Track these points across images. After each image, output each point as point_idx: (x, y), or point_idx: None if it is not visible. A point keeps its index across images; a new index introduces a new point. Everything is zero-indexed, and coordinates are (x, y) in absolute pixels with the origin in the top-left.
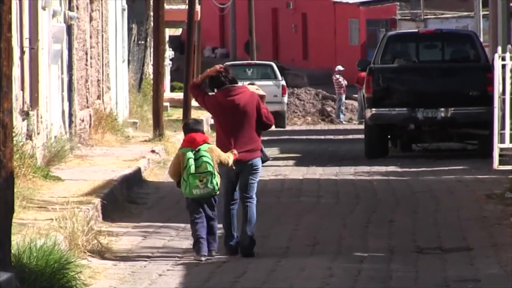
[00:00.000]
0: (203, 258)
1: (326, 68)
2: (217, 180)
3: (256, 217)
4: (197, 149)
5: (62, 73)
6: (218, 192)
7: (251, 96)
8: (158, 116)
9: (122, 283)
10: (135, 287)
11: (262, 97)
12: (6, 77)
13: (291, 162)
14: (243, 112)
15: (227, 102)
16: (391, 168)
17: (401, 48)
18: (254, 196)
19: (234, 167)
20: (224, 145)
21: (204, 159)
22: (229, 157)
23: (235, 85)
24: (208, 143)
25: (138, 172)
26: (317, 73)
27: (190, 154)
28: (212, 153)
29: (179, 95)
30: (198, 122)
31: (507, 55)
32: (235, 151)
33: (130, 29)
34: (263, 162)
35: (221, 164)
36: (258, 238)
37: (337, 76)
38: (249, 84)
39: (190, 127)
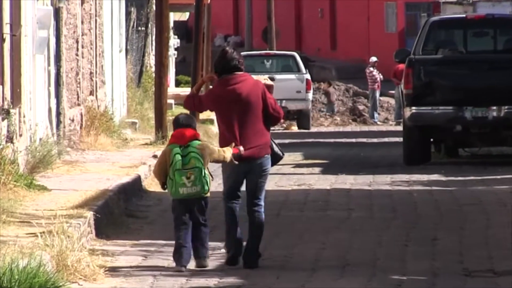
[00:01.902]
0: (183, 269)
1: (358, 59)
2: (207, 179)
3: (276, 233)
4: (186, 145)
5: (48, 64)
6: (208, 194)
7: (255, 85)
8: (161, 116)
9: None
10: None
11: (269, 87)
12: None
13: (316, 169)
14: (246, 102)
15: (227, 92)
16: (434, 177)
17: (446, 36)
18: (263, 200)
19: (236, 162)
20: (229, 143)
21: (192, 154)
22: (225, 152)
23: (236, 73)
24: (199, 140)
25: (137, 180)
26: (347, 65)
27: (177, 150)
28: (204, 151)
29: (186, 91)
30: (190, 117)
31: None
32: (241, 148)
33: (128, 13)
34: (277, 160)
35: (218, 162)
36: (278, 258)
37: (371, 69)
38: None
39: (180, 122)
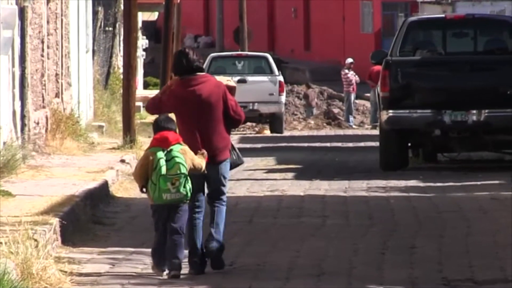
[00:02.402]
0: (163, 273)
1: (333, 61)
2: (189, 185)
3: (249, 241)
4: (168, 150)
5: (13, 66)
6: (188, 200)
7: (216, 86)
8: (129, 119)
9: None
10: None
11: (231, 88)
12: None
13: (290, 175)
14: (207, 103)
15: (187, 93)
16: (412, 183)
17: (425, 37)
18: (224, 200)
19: (206, 171)
20: (190, 145)
21: (177, 159)
22: (202, 161)
23: (197, 73)
24: (181, 144)
25: (104, 186)
26: (321, 67)
27: (161, 154)
28: (186, 155)
29: (154, 93)
30: (171, 120)
31: None
32: (204, 152)
33: (95, 13)
34: (236, 165)
35: (193, 169)
36: (251, 267)
37: (346, 71)
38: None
39: (161, 125)
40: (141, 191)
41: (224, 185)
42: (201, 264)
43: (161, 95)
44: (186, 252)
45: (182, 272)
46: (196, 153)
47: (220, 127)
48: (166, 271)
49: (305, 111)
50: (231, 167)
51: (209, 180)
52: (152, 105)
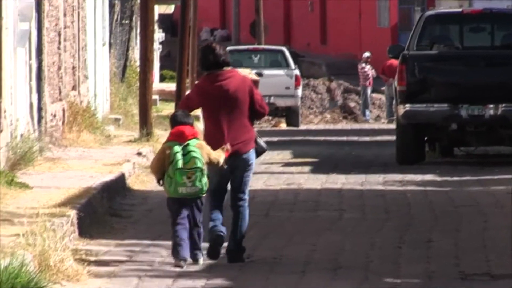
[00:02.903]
0: (183, 263)
1: (349, 55)
2: (205, 179)
3: (265, 234)
4: (185, 144)
5: (30, 58)
6: (205, 194)
7: (242, 81)
8: (146, 112)
9: None
10: None
11: (255, 82)
12: None
13: (306, 168)
14: (234, 98)
15: (214, 88)
16: (429, 177)
17: (442, 32)
18: (247, 195)
19: (225, 166)
20: (215, 139)
21: (193, 154)
22: (220, 156)
23: (224, 68)
24: (198, 139)
25: (121, 178)
26: (337, 61)
27: (177, 148)
28: (202, 150)
29: (171, 86)
30: (188, 114)
31: None
32: (228, 147)
33: (112, 6)
34: (259, 153)
35: (210, 164)
36: (268, 260)
37: (363, 64)
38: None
39: (178, 119)
40: (158, 183)
41: (249, 176)
42: (216, 248)
43: (190, 92)
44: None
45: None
46: (219, 147)
47: (245, 120)
48: (187, 261)
49: (328, 104)
50: (256, 156)
51: (235, 171)
52: (182, 103)
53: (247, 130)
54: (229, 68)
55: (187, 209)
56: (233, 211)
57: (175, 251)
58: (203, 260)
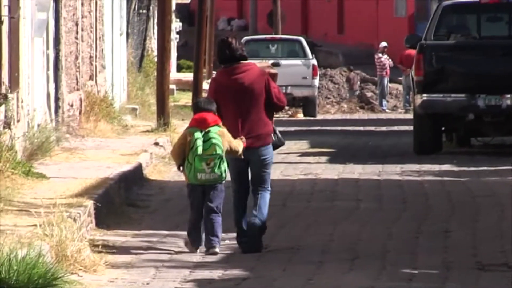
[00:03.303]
0: (197, 250)
1: (366, 44)
2: (225, 166)
3: (282, 224)
4: (206, 131)
5: (47, 48)
6: (224, 181)
7: (259, 74)
8: (163, 102)
9: None
10: None
11: (273, 75)
12: None
13: (323, 158)
14: (250, 92)
15: (231, 81)
16: (446, 167)
17: (459, 21)
18: (269, 187)
19: (242, 156)
20: (230, 131)
21: (214, 141)
22: (239, 145)
23: (241, 62)
24: (219, 126)
25: (138, 169)
26: (354, 50)
27: (198, 134)
28: (223, 137)
29: (188, 76)
30: (211, 101)
31: None
32: (243, 138)
33: None
34: (277, 146)
35: (230, 152)
36: (285, 251)
37: (380, 54)
38: (262, 62)
39: (201, 106)
40: (178, 169)
41: (266, 171)
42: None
43: (208, 88)
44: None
45: (219, 251)
46: (235, 139)
47: (262, 113)
48: (200, 249)
49: (348, 94)
50: (273, 149)
51: (251, 166)
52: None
53: (264, 124)
54: (245, 62)
55: (205, 197)
56: (254, 198)
57: (191, 239)
58: (219, 248)
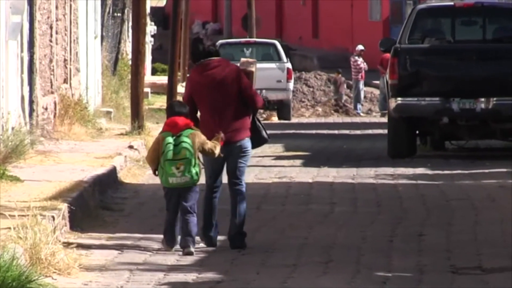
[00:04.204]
0: (172, 249)
1: (341, 48)
2: (196, 169)
3: (257, 228)
4: (178, 135)
5: (21, 51)
6: (197, 182)
7: (230, 69)
8: (138, 105)
9: None
10: None
11: (248, 73)
12: None
13: (298, 162)
14: (222, 87)
15: (203, 78)
16: (420, 171)
17: (433, 25)
18: (243, 181)
19: (221, 155)
20: (208, 128)
21: (184, 145)
22: (216, 146)
23: (212, 58)
24: (192, 128)
25: (113, 172)
26: (329, 54)
27: (169, 139)
28: (195, 139)
29: (162, 79)
30: (183, 104)
31: None
32: (222, 135)
33: None
34: (262, 143)
35: (206, 154)
36: (259, 254)
37: (356, 57)
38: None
39: (174, 109)
40: (154, 173)
41: (243, 163)
42: (214, 239)
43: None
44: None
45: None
46: (213, 136)
47: (238, 108)
48: (175, 248)
49: (335, 96)
50: (256, 145)
51: (229, 159)
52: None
53: (240, 118)
54: (217, 58)
55: (180, 198)
56: (231, 195)
57: (166, 239)
58: (194, 248)
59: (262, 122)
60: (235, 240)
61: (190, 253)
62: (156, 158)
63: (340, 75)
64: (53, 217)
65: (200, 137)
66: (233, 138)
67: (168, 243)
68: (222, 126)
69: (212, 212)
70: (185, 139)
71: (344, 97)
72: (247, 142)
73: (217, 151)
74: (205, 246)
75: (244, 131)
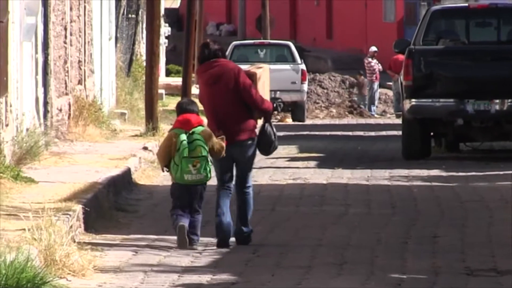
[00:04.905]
0: (183, 226)
1: (355, 49)
2: (210, 167)
3: (271, 229)
4: (190, 132)
5: (36, 52)
6: (208, 180)
7: (229, 68)
8: (152, 106)
9: None
10: None
11: (251, 74)
12: None
13: (312, 163)
14: (220, 86)
15: (205, 78)
16: (434, 172)
17: (448, 26)
18: (250, 182)
19: (224, 154)
20: (211, 128)
21: (198, 142)
22: (222, 146)
23: (212, 59)
24: (203, 126)
25: (127, 173)
26: (343, 55)
27: (183, 136)
28: (206, 137)
29: (177, 81)
30: (193, 102)
31: None
32: (221, 134)
33: (118, 0)
34: (271, 150)
35: (213, 154)
36: (273, 255)
37: (370, 59)
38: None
39: (184, 107)
40: (163, 170)
41: (248, 164)
42: (226, 239)
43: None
44: (204, 239)
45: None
46: (215, 135)
47: (239, 108)
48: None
49: (357, 99)
50: (265, 151)
51: (235, 160)
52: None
53: (243, 119)
54: (217, 59)
55: (190, 195)
56: (238, 197)
57: (175, 222)
58: (197, 245)
59: (276, 123)
60: (241, 237)
61: (195, 249)
62: (168, 155)
63: (362, 77)
64: (67, 218)
65: (212, 135)
66: (235, 139)
67: (181, 223)
68: (223, 126)
69: (224, 213)
70: (198, 136)
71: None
72: (248, 143)
73: (223, 151)
74: (216, 247)
75: (247, 131)
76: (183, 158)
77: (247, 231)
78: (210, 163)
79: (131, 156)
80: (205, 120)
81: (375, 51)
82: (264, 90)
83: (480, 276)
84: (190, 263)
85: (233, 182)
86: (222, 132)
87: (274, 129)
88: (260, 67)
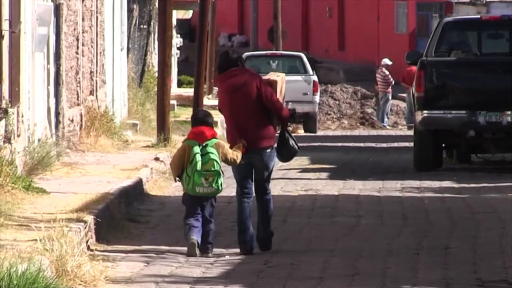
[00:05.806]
0: (195, 242)
1: (367, 61)
2: (222, 180)
3: (283, 240)
4: (204, 144)
5: (48, 62)
6: (219, 193)
7: (250, 77)
8: (164, 117)
9: None
10: None
11: (271, 82)
12: None
13: (324, 174)
14: (241, 94)
15: (225, 86)
16: (446, 184)
17: (460, 38)
18: (270, 189)
19: (242, 162)
20: (232, 136)
21: (212, 156)
22: (237, 156)
23: (233, 68)
24: (216, 138)
25: (139, 184)
26: (355, 67)
27: (197, 149)
28: (219, 150)
29: (188, 92)
30: (208, 114)
31: None
32: (243, 142)
33: (130, 11)
34: (292, 153)
35: (228, 163)
36: (285, 266)
37: (384, 70)
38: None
39: (199, 118)
40: (175, 180)
41: (267, 172)
42: (250, 245)
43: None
44: (216, 250)
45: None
46: (235, 143)
47: (260, 116)
48: (198, 243)
49: (377, 111)
50: (286, 157)
51: (254, 167)
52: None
53: (263, 126)
54: (238, 67)
55: (202, 205)
56: (258, 204)
57: (187, 235)
58: (212, 254)
59: None
60: (264, 243)
61: (207, 257)
62: (181, 165)
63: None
64: (79, 229)
65: (224, 147)
66: (255, 146)
67: (193, 238)
68: (243, 134)
69: (246, 219)
70: (212, 149)
71: (370, 110)
72: (268, 151)
73: (239, 159)
74: (230, 258)
75: (267, 139)
76: (196, 171)
77: (269, 234)
78: (222, 176)
79: (143, 166)
80: (219, 132)
81: (388, 64)
82: (281, 97)
83: (491, 287)
84: (201, 274)
85: (253, 188)
86: (243, 139)
87: (291, 135)
88: (278, 75)
